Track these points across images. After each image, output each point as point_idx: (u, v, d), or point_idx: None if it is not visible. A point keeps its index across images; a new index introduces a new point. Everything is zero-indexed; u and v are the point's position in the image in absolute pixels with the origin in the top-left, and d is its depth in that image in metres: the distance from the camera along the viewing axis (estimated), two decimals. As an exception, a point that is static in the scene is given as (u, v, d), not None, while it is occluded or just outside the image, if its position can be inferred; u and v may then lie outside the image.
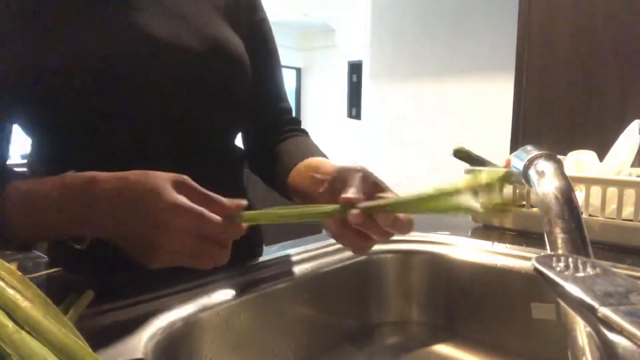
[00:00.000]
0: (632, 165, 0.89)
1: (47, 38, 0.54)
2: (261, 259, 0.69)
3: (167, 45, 0.60)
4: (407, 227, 0.48)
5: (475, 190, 0.40)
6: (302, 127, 0.82)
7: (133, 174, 0.46)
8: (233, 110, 0.70)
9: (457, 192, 0.40)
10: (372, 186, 0.51)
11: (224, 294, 0.56)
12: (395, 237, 0.79)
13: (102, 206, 0.45)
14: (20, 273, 0.38)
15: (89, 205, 0.46)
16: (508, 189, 0.93)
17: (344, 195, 0.47)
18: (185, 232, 0.44)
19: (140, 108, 0.59)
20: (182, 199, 0.44)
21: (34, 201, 0.48)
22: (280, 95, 0.80)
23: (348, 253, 0.73)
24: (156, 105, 0.60)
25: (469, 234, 0.89)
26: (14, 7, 0.54)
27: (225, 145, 0.73)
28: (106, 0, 0.58)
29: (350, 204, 0.47)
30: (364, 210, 0.46)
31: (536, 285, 0.65)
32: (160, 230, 0.43)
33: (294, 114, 0.82)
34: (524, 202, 0.90)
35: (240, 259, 0.67)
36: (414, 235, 0.81)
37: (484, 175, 0.39)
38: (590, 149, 0.96)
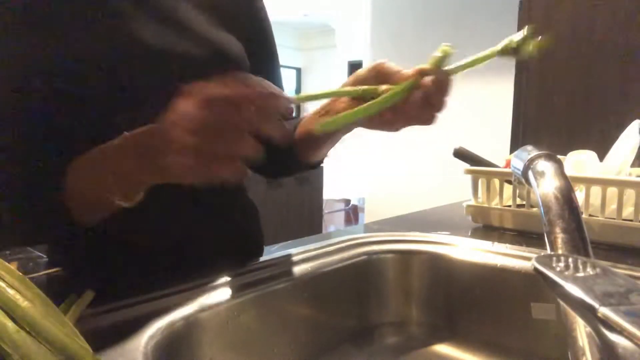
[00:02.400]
0: (632, 165, 0.89)
1: (44, 46, 0.54)
2: (261, 259, 0.69)
3: (164, 53, 0.59)
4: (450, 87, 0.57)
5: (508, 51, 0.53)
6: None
7: None
8: None
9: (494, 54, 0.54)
10: None
11: (224, 294, 0.56)
12: (395, 237, 0.79)
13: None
14: (20, 273, 0.38)
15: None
16: (508, 189, 0.93)
17: (413, 70, 0.56)
18: (204, 99, 0.40)
19: (138, 115, 0.59)
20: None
21: (94, 160, 0.49)
22: None
23: (348, 253, 0.73)
24: (155, 113, 0.60)
25: (469, 234, 0.89)
26: (14, 14, 0.54)
27: None
28: (101, 8, 0.57)
29: (421, 74, 0.56)
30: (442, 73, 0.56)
31: (536, 285, 0.65)
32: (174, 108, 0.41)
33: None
34: (524, 202, 0.90)
35: (240, 259, 0.67)
36: (414, 235, 0.81)
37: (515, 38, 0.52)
38: (590, 149, 0.96)
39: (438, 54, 0.57)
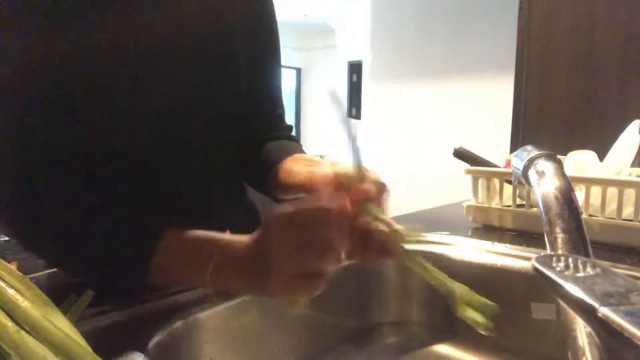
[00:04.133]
0: (632, 165, 0.89)
1: (46, 40, 0.53)
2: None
3: (165, 51, 0.59)
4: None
5: None
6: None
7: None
8: (228, 117, 0.70)
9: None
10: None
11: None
12: (395, 237, 0.79)
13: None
14: (20, 273, 0.38)
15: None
16: (508, 189, 0.93)
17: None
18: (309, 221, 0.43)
19: (134, 117, 0.59)
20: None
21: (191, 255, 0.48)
22: (277, 102, 0.79)
23: (348, 253, 0.73)
24: (151, 114, 0.60)
25: (469, 234, 0.89)
26: (15, 10, 0.54)
27: (222, 148, 0.73)
28: (98, 11, 0.57)
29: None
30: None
31: (536, 285, 0.65)
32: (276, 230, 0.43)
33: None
34: (524, 202, 0.90)
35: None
36: (414, 235, 0.81)
37: None
38: (590, 149, 0.96)
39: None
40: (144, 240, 0.50)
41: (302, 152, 0.73)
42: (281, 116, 0.80)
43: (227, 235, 0.48)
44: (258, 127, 0.77)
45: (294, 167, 0.66)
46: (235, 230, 0.73)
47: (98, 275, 0.53)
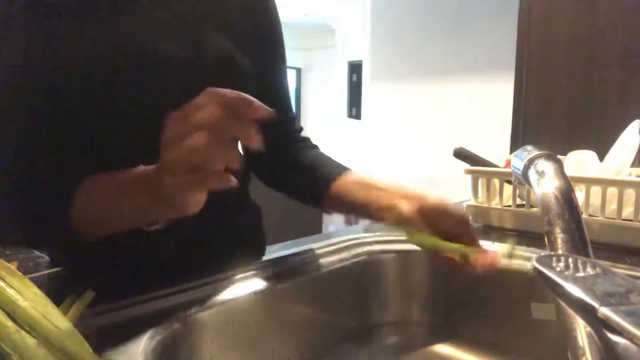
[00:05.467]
0: (632, 165, 0.89)
1: (49, 45, 0.53)
2: (262, 258, 0.69)
3: (167, 58, 0.59)
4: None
5: None
6: (302, 127, 0.82)
7: None
8: None
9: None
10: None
11: (224, 294, 0.56)
12: (395, 237, 0.79)
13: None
14: (20, 273, 0.38)
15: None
16: (508, 189, 0.93)
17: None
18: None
19: (135, 117, 0.58)
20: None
21: (108, 188, 0.50)
22: (288, 104, 0.79)
23: (348, 253, 0.73)
24: (153, 115, 0.60)
25: (469, 234, 0.88)
26: (18, 11, 0.54)
27: None
28: (97, 10, 0.57)
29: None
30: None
31: (536, 285, 0.65)
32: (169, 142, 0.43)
33: (294, 115, 0.82)
34: (524, 202, 0.90)
35: (242, 258, 0.67)
36: (414, 235, 0.81)
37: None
38: (590, 149, 0.96)
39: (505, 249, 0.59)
40: (64, 187, 0.51)
41: (348, 168, 0.75)
42: (293, 119, 0.80)
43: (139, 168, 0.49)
44: (273, 131, 0.77)
45: (360, 189, 0.70)
46: (239, 231, 0.73)
47: (23, 224, 0.54)
